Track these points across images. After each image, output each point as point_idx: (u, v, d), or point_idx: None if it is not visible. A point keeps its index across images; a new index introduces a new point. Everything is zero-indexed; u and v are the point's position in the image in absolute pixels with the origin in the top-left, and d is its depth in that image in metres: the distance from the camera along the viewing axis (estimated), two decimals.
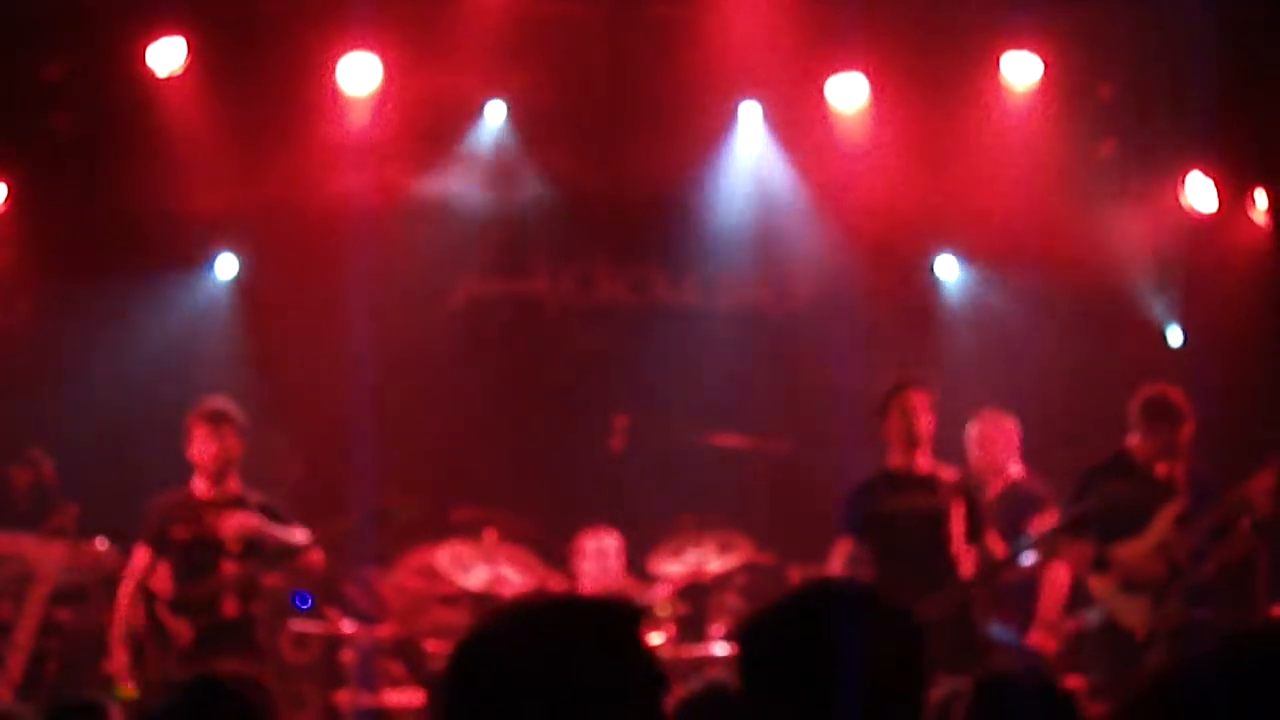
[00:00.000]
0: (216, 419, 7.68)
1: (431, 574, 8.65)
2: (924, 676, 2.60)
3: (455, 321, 10.40)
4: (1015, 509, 8.29)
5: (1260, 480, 7.38)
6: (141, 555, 7.62)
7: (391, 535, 8.48)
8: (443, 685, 2.38)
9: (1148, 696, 1.49)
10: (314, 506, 8.01)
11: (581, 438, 9.56)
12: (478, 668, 2.35)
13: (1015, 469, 8.62)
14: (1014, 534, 7.93)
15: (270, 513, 7.74)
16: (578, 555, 8.76)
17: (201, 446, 7.68)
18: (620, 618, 2.39)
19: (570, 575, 8.70)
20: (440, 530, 8.81)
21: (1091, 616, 7.68)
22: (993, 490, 8.49)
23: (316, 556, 7.76)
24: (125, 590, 7.58)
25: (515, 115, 9.97)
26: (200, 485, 7.72)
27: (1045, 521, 7.97)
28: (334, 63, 9.41)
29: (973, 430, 8.68)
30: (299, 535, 7.70)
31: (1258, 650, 1.50)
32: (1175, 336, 10.05)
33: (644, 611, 2.45)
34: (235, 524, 7.57)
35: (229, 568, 7.57)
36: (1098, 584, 7.63)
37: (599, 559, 8.70)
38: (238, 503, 7.69)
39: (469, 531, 8.68)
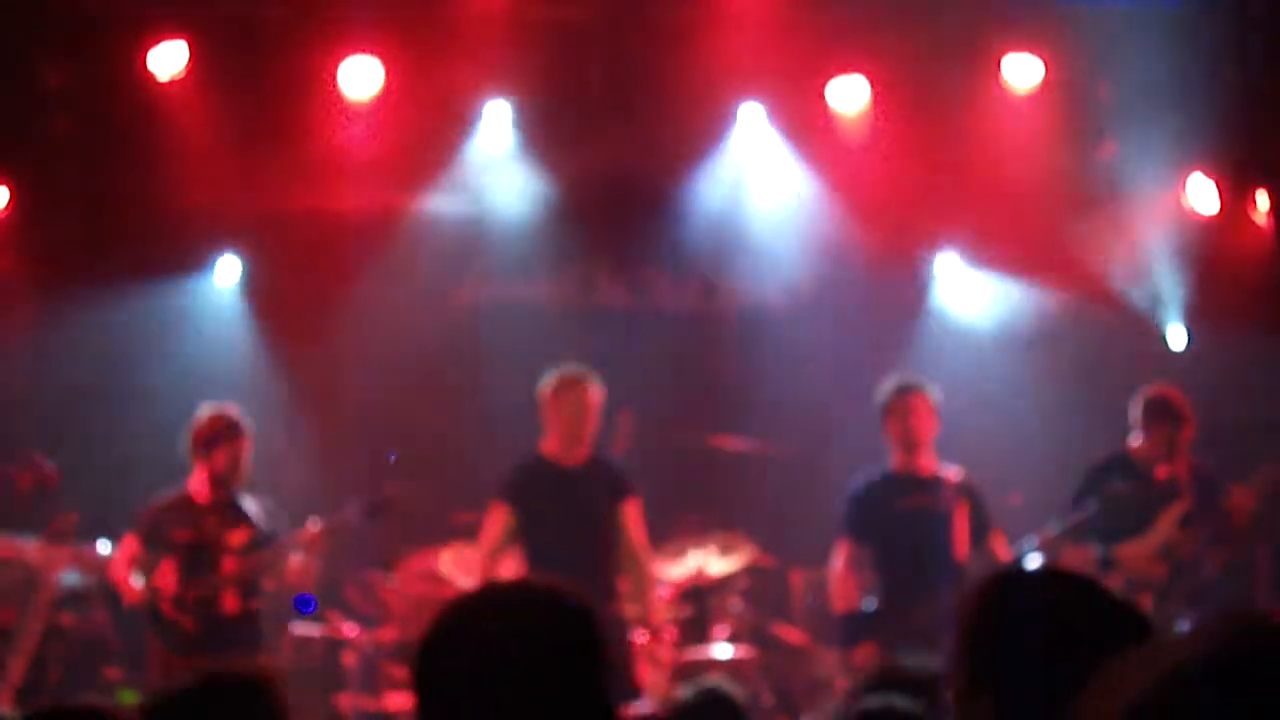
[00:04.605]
0: (233, 430, 7.66)
1: (434, 577, 8.63)
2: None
3: (457, 325, 10.39)
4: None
5: (1241, 496, 7.43)
6: (130, 545, 7.60)
7: (391, 526, 8.46)
8: (412, 681, 2.35)
9: (1149, 695, 1.49)
10: (317, 510, 7.99)
11: None
12: (443, 663, 2.33)
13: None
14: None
15: (266, 518, 7.73)
16: None
17: (217, 456, 7.65)
18: (577, 610, 2.37)
19: None
20: (443, 533, 8.81)
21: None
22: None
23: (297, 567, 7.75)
24: (116, 576, 7.57)
25: (517, 118, 9.97)
26: (198, 489, 7.69)
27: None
28: (335, 67, 9.42)
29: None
30: (294, 563, 7.70)
31: (1258, 647, 1.49)
32: (1177, 338, 10.04)
33: (592, 610, 2.41)
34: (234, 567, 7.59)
35: (230, 564, 7.56)
36: None
37: None
38: (234, 508, 7.67)
39: (471, 535, 8.67)
